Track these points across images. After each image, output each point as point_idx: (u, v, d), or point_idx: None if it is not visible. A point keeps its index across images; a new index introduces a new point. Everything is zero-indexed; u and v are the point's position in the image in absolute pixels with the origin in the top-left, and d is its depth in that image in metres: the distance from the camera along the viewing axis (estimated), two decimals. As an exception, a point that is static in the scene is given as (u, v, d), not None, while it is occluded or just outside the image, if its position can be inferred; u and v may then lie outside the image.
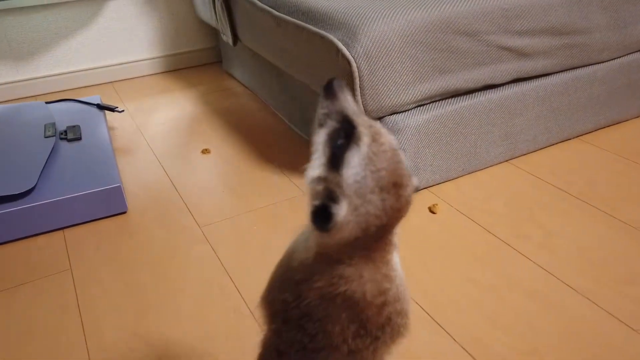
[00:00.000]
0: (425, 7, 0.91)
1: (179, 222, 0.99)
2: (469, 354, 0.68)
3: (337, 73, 0.92)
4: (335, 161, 0.38)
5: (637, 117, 1.31)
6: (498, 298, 0.77)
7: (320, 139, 0.40)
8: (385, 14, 0.89)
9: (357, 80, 0.89)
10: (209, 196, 1.07)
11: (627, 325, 0.72)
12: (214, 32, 1.85)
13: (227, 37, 1.45)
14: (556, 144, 1.20)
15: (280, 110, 1.40)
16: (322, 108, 0.40)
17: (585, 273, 0.81)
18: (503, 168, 1.12)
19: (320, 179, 0.38)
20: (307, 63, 1.03)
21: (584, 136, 1.24)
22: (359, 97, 0.91)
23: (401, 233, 0.44)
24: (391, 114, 0.96)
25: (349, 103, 0.40)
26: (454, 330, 0.72)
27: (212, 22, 1.54)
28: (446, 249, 0.88)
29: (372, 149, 0.37)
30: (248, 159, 1.20)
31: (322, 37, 0.93)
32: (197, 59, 1.86)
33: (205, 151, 1.24)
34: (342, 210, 0.37)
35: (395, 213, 0.39)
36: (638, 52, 1.22)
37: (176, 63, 1.83)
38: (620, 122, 1.29)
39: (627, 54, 1.20)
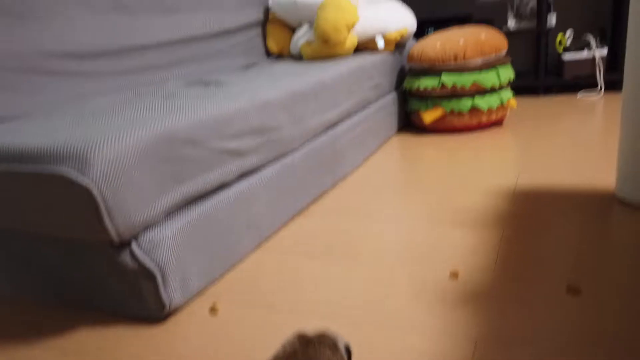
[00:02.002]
0: (147, 125, 0.97)
1: None
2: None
3: (79, 206, 0.87)
4: None
5: (333, 187, 1.64)
6: None
7: None
8: (112, 137, 0.91)
9: (101, 205, 0.86)
10: None
11: (403, 326, 0.87)
12: None
13: None
14: (290, 220, 1.39)
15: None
16: None
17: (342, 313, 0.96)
18: (259, 253, 1.22)
19: None
20: (38, 211, 0.94)
21: (308, 208, 1.47)
22: (107, 222, 0.88)
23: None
24: (144, 230, 0.96)
25: None
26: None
27: None
28: (230, 347, 0.90)
29: None
30: (-26, 344, 0.96)
31: (47, 176, 0.87)
32: None
33: None
34: None
35: None
36: (317, 137, 1.56)
37: None
38: (323, 194, 1.59)
39: (309, 140, 1.52)
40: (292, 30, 2.40)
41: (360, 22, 2.06)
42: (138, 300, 0.98)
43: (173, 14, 1.92)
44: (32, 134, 0.98)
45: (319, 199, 1.54)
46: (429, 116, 2.10)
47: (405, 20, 2.20)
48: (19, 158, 0.92)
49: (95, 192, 0.85)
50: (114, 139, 0.90)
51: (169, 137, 0.99)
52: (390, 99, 2.19)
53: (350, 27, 1.98)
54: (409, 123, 2.44)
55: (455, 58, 2.01)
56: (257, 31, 2.38)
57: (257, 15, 2.36)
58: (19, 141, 0.94)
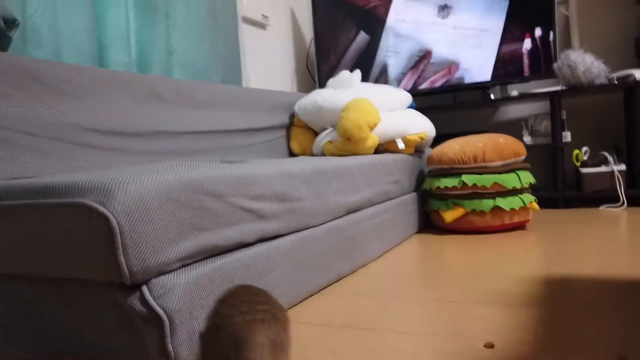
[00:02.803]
0: (172, 172, 0.98)
1: None
2: None
3: (96, 238, 0.84)
4: None
5: (352, 272, 1.57)
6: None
7: None
8: (137, 177, 0.91)
9: (118, 238, 0.83)
10: None
11: None
12: None
13: None
14: (307, 297, 1.31)
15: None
16: None
17: (382, 369, 0.86)
18: (271, 325, 1.14)
19: None
20: (50, 245, 0.91)
21: (326, 289, 1.40)
22: (122, 258, 0.84)
23: None
24: (158, 276, 0.90)
25: None
26: None
27: None
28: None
29: None
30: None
31: (69, 205, 0.86)
32: None
33: None
34: None
35: None
36: (339, 218, 1.53)
37: None
38: (341, 279, 1.52)
39: (332, 220, 1.50)
40: (315, 134, 2.51)
41: (382, 124, 2.15)
42: (140, 352, 0.90)
43: (204, 109, 2.04)
44: (58, 177, 0.98)
45: (337, 283, 1.47)
46: (450, 215, 2.08)
47: (425, 125, 2.29)
48: (42, 193, 0.91)
49: (113, 224, 0.83)
50: (139, 178, 0.90)
51: (192, 185, 0.99)
52: (410, 198, 2.20)
53: (372, 127, 2.06)
54: (429, 225, 2.41)
55: (475, 159, 2.05)
56: (282, 133, 2.50)
57: (282, 119, 2.50)
58: (43, 180, 0.95)
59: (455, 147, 2.12)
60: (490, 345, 0.92)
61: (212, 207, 1.02)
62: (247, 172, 1.15)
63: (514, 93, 2.81)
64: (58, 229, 0.89)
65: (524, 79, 2.79)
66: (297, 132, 2.50)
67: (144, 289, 0.88)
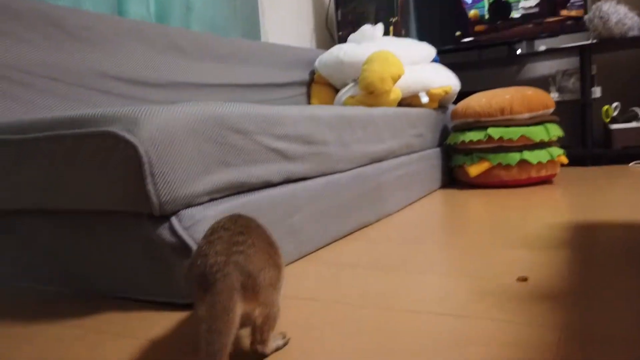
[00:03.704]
0: (198, 107, 0.96)
1: None
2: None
3: (124, 167, 0.83)
4: None
5: (376, 221, 1.56)
6: (358, 335, 0.71)
7: None
8: (163, 109, 0.89)
9: (146, 167, 0.82)
10: None
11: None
12: None
13: None
14: (332, 242, 1.30)
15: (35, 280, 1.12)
16: None
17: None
18: (299, 263, 1.13)
19: None
20: (78, 178, 0.90)
21: (351, 235, 1.39)
22: (150, 187, 0.83)
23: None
24: (186, 207, 0.90)
25: None
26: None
27: None
28: (284, 322, 0.79)
29: None
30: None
31: (96, 134, 0.85)
32: None
33: None
34: None
35: None
36: (363, 166, 1.51)
37: None
38: (367, 226, 1.50)
39: (356, 167, 1.47)
40: (336, 91, 2.46)
41: (405, 77, 2.10)
42: (169, 283, 0.90)
43: (224, 62, 2.01)
44: (82, 111, 0.97)
45: (361, 230, 1.45)
46: (475, 169, 2.04)
47: (450, 79, 2.23)
48: (68, 125, 0.90)
49: (140, 152, 0.82)
50: (164, 110, 0.89)
51: (218, 120, 0.97)
52: (434, 153, 2.15)
53: (395, 79, 2.01)
54: (452, 181, 2.37)
55: (502, 112, 1.99)
56: (302, 90, 2.46)
57: (303, 76, 2.46)
58: (68, 113, 0.93)
59: (481, 100, 2.06)
60: (523, 279, 0.90)
61: (238, 144, 1.01)
62: (273, 112, 1.12)
63: (542, 48, 2.71)
64: (85, 160, 0.88)
65: (553, 33, 2.68)
66: (317, 89, 2.46)
67: (173, 219, 0.87)
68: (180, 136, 0.88)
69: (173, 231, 0.86)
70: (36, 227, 1.06)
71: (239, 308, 0.58)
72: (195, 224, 0.88)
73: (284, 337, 0.71)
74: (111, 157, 0.85)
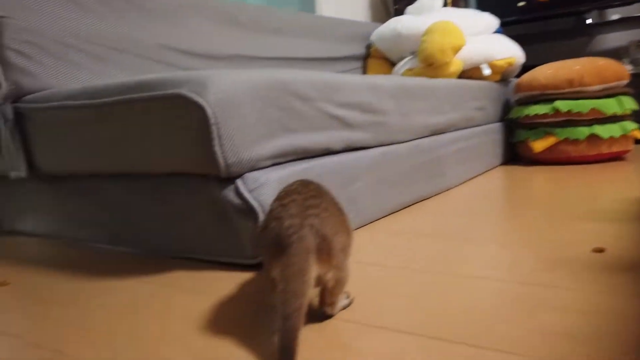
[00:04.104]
0: (261, 73, 0.96)
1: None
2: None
3: (192, 129, 0.85)
4: None
5: (435, 194, 1.52)
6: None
7: None
8: (229, 74, 0.90)
9: (213, 128, 0.83)
10: (22, 313, 0.76)
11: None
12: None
13: (17, 171, 1.23)
14: (391, 213, 1.29)
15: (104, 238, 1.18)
16: None
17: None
18: (358, 231, 1.13)
19: None
20: (148, 141, 0.93)
21: (410, 207, 1.37)
22: (217, 149, 0.84)
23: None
24: (251, 171, 0.91)
25: None
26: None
27: (-7, 165, 1.30)
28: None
29: None
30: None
31: (165, 97, 0.87)
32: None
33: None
34: None
35: None
36: (423, 138, 1.48)
37: None
38: (425, 199, 1.47)
39: (416, 139, 1.44)
40: (392, 65, 2.41)
41: (466, 48, 2.03)
42: (234, 244, 0.92)
43: (280, 36, 2.01)
44: (151, 75, 1.00)
45: (420, 203, 1.42)
46: (540, 144, 1.95)
47: (513, 50, 2.13)
48: (138, 89, 0.93)
49: (208, 113, 0.83)
50: (230, 75, 0.90)
51: (281, 85, 0.97)
52: (495, 127, 2.08)
53: (456, 50, 1.94)
54: (514, 157, 2.29)
55: (571, 83, 1.89)
56: (358, 64, 2.42)
57: (358, 50, 2.42)
58: (138, 77, 0.96)
59: (548, 72, 1.96)
60: (599, 250, 0.85)
61: (301, 110, 1.00)
62: (335, 79, 1.11)
63: (614, 17, 2.54)
64: (156, 123, 0.91)
65: (627, 1, 2.50)
66: (373, 63, 2.42)
67: (239, 182, 0.89)
68: (246, 100, 0.89)
69: (238, 193, 0.88)
70: (111, 190, 1.11)
71: (314, 270, 0.58)
72: (259, 187, 0.89)
73: (348, 296, 0.71)
74: (180, 119, 0.87)
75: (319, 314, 0.67)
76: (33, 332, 0.71)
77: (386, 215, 1.29)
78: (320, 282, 0.62)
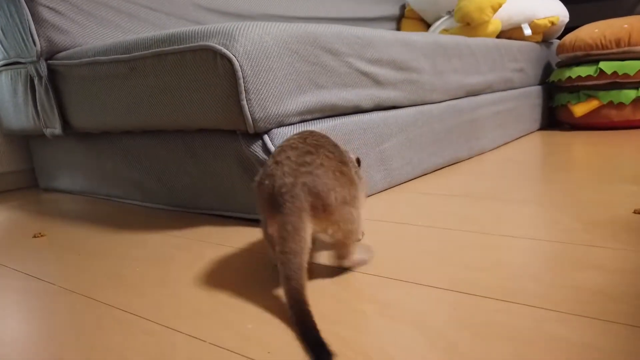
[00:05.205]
0: (291, 25, 0.93)
1: (17, 287, 0.68)
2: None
3: (220, 82, 0.84)
4: None
5: (469, 158, 1.48)
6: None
7: None
8: (258, 25, 0.88)
9: (241, 81, 0.82)
10: (57, 261, 0.78)
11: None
12: (25, 153, 1.59)
13: (53, 128, 1.25)
14: (422, 176, 1.26)
15: (148, 194, 1.20)
16: None
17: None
18: (390, 193, 1.11)
19: None
20: (179, 95, 0.93)
21: (442, 170, 1.33)
22: (244, 102, 0.83)
23: None
24: (278, 127, 0.90)
25: None
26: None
27: (30, 123, 1.33)
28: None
29: None
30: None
31: (194, 50, 0.86)
32: (7, 184, 1.55)
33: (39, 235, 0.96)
34: None
35: None
36: (458, 99, 1.43)
37: (-26, 190, 1.49)
38: (459, 162, 1.43)
39: (451, 99, 1.40)
40: (428, 27, 2.33)
41: (506, 6, 1.93)
42: (263, 198, 0.92)
43: (314, -5, 1.95)
44: (182, 28, 0.99)
45: (453, 165, 1.39)
46: (581, 108, 1.86)
47: (557, 8, 2.02)
48: (167, 42, 0.92)
49: (236, 66, 0.82)
50: (260, 26, 0.87)
51: (310, 38, 0.94)
52: (535, 91, 1.99)
53: (495, 9, 1.85)
54: (553, 123, 2.20)
55: (618, 43, 1.78)
56: (392, 26, 2.35)
57: (392, 10, 2.34)
58: (170, 31, 0.95)
59: (594, 31, 1.85)
60: (642, 212, 0.81)
61: (330, 65, 0.98)
62: (366, 33, 1.08)
63: (671, -28, 2.36)
64: (185, 76, 0.90)
65: (686, -46, 2.32)
66: (408, 24, 2.34)
67: (266, 137, 0.88)
68: (274, 52, 0.87)
69: (266, 149, 0.87)
70: (143, 147, 1.13)
71: (309, 228, 0.57)
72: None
73: (369, 250, 0.70)
74: (209, 72, 0.86)
75: (337, 266, 0.67)
76: (67, 279, 0.73)
77: (418, 177, 1.26)
78: (326, 236, 0.61)
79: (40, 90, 1.23)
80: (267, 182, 0.59)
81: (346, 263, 0.66)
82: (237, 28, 0.84)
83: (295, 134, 0.67)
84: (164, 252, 0.82)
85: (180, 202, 1.09)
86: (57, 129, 1.24)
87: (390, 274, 0.64)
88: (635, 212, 0.81)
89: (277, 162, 0.60)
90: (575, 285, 0.57)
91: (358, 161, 0.73)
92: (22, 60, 1.24)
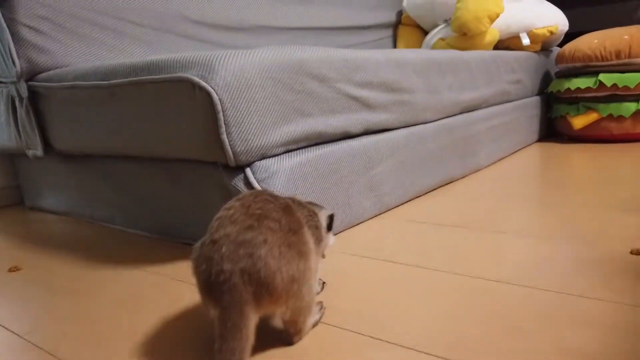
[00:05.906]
0: (274, 51, 0.90)
1: (-19, 339, 0.65)
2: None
3: (199, 115, 0.81)
4: None
5: (463, 177, 1.45)
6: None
7: None
8: (238, 54, 0.84)
9: (220, 115, 0.79)
10: (28, 305, 0.75)
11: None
12: (12, 169, 1.56)
13: (35, 150, 1.22)
14: (415, 198, 1.23)
15: (126, 222, 1.17)
16: None
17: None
18: (379, 220, 1.07)
19: None
20: (158, 124, 0.90)
21: (435, 191, 1.30)
22: (224, 136, 0.80)
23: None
24: (261, 159, 0.86)
25: None
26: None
27: (12, 142, 1.30)
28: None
29: None
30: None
31: (172, 80, 0.83)
32: (-11, 202, 1.52)
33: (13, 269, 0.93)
34: None
35: None
36: (452, 117, 1.39)
37: (-42, 208, 1.45)
38: (453, 181, 1.40)
39: (445, 117, 1.36)
40: (425, 33, 2.29)
41: (504, 16, 1.89)
42: (245, 234, 0.88)
43: (306, 4, 1.91)
44: (161, 55, 0.95)
45: (447, 186, 1.35)
46: (580, 121, 1.82)
47: (556, 17, 1.97)
48: (146, 70, 0.89)
49: (215, 99, 0.78)
50: (240, 55, 0.84)
51: (295, 65, 0.90)
52: (533, 102, 1.95)
53: (493, 19, 1.81)
54: (552, 133, 2.16)
55: (618, 55, 1.74)
56: (388, 33, 2.31)
57: (389, 17, 2.30)
58: (147, 58, 0.92)
59: (593, 41, 1.81)
60: (638, 252, 0.78)
61: (316, 91, 0.94)
62: (355, 56, 1.04)
63: (673, -22, 2.32)
64: (164, 106, 0.87)
65: (689, -40, 2.27)
66: (404, 31, 2.30)
67: (248, 171, 0.84)
68: (256, 83, 0.83)
69: (247, 183, 0.84)
70: (126, 172, 1.09)
71: (252, 320, 0.52)
72: (270, 177, 0.85)
73: (320, 308, 0.66)
74: (188, 103, 0.82)
75: (284, 339, 0.61)
76: (35, 328, 0.70)
77: (410, 200, 1.23)
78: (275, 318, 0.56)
79: (21, 111, 1.19)
80: (204, 266, 0.53)
81: (296, 340, 0.60)
82: (217, 58, 0.81)
83: (238, 198, 0.59)
84: (140, 292, 0.78)
85: (164, 229, 1.06)
86: (39, 151, 1.21)
87: (371, 332, 0.61)
88: (632, 252, 0.78)
89: (214, 242, 0.54)
90: (564, 347, 0.54)
91: (331, 218, 0.69)
92: (4, 80, 1.21)
